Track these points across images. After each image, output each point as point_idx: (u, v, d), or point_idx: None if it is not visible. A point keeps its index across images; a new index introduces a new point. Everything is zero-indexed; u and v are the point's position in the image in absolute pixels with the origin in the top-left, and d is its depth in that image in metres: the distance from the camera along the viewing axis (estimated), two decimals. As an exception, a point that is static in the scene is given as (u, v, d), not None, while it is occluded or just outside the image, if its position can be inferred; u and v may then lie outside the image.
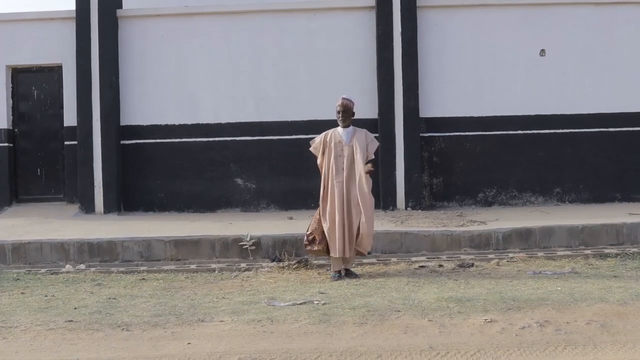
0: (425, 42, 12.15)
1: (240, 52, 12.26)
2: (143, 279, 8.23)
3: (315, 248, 8.01)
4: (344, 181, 7.91)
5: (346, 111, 7.97)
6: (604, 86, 12.34)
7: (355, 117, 8.15)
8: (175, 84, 12.27)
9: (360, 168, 7.86)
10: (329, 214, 7.93)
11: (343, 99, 8.05)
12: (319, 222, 8.02)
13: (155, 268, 8.85)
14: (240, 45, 12.26)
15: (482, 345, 5.31)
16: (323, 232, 7.97)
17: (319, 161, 8.11)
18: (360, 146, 7.93)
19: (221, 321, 6.08)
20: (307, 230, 8.11)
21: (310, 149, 8.18)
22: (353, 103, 8.06)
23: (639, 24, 12.38)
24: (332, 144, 7.98)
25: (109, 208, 11.96)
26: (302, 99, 12.20)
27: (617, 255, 8.99)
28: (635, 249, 9.30)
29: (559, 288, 7.12)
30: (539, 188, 12.33)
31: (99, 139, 12.00)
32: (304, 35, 12.28)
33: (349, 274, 8.04)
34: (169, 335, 5.69)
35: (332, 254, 7.98)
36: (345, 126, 8.03)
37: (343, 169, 7.94)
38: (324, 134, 8.12)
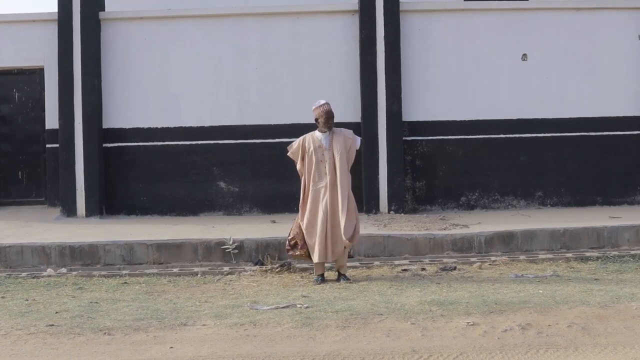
0: (408, 46, 12.20)
1: (224, 55, 12.24)
2: (125, 282, 8.19)
3: (297, 253, 8.01)
4: (327, 186, 7.88)
5: (332, 117, 7.94)
6: (585, 90, 12.44)
7: (339, 120, 8.17)
8: (158, 87, 12.23)
9: (344, 172, 7.85)
10: (309, 220, 7.91)
11: (327, 104, 7.97)
12: (300, 227, 8.01)
13: (137, 272, 8.81)
14: (224, 49, 12.24)
15: (464, 348, 5.33)
16: (304, 236, 7.96)
17: (298, 167, 8.09)
18: (340, 150, 7.89)
19: (204, 325, 6.07)
20: (289, 235, 8.10)
21: (289, 154, 8.17)
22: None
23: (620, 28, 12.50)
24: (312, 149, 7.94)
25: (90, 211, 11.89)
26: (285, 102, 12.20)
27: (598, 258, 9.06)
28: (615, 252, 9.38)
29: (541, 291, 7.17)
30: (521, 192, 12.40)
31: (81, 141, 11.92)
32: (288, 39, 12.28)
33: (339, 276, 8.04)
34: (151, 340, 5.67)
35: (313, 259, 7.97)
36: (324, 130, 7.98)
37: (326, 174, 7.90)
38: (301, 139, 8.07)
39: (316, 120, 8.02)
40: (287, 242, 8.08)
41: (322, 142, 7.97)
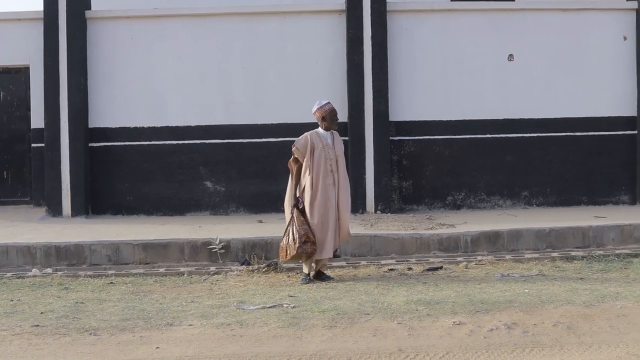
0: (395, 46, 12.22)
1: (210, 55, 12.21)
2: (111, 282, 8.16)
3: (309, 250, 7.82)
4: (334, 183, 7.99)
5: (336, 115, 8.18)
6: (571, 91, 12.50)
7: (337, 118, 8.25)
8: (145, 86, 12.18)
9: (344, 169, 8.13)
10: (323, 216, 7.90)
11: (330, 103, 8.19)
12: (306, 223, 7.91)
13: (123, 272, 8.77)
14: (210, 48, 12.22)
15: (450, 347, 5.35)
16: (313, 233, 7.89)
17: (305, 160, 7.99)
18: (339, 148, 8.15)
19: (190, 325, 6.06)
20: (295, 233, 7.78)
21: (294, 149, 8.09)
22: None
23: (606, 29, 12.57)
24: (320, 146, 8.01)
25: (76, 211, 11.83)
26: (272, 102, 12.19)
27: (583, 257, 9.11)
28: (600, 252, 9.44)
29: (527, 290, 7.20)
30: (507, 191, 12.45)
31: (67, 141, 11.87)
32: (275, 39, 12.27)
33: (321, 275, 8.04)
34: (137, 340, 5.65)
35: (322, 255, 7.91)
36: (330, 129, 8.13)
37: (332, 172, 8.00)
38: (308, 135, 8.08)
39: (322, 119, 8.09)
40: (298, 238, 7.77)
41: (328, 140, 8.09)
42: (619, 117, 12.59)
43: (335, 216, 7.97)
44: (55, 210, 11.85)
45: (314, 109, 8.15)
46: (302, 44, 12.25)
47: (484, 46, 12.40)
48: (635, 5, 12.55)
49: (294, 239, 7.82)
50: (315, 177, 7.96)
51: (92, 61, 12.11)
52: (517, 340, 5.53)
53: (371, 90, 12.02)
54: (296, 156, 8.07)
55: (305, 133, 8.14)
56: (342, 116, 11.96)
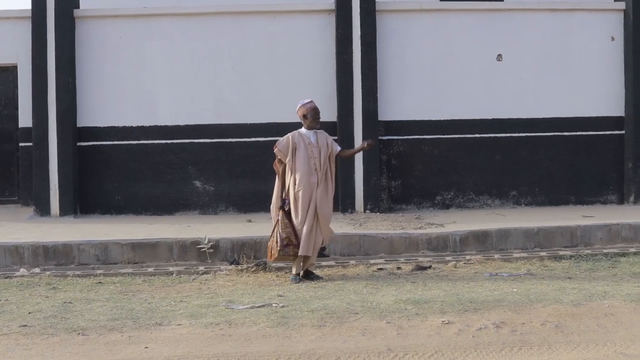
0: (384, 46, 12.23)
1: (200, 54, 12.18)
2: (99, 282, 8.13)
3: (291, 253, 7.91)
4: (318, 182, 8.01)
5: (318, 113, 8.17)
6: (559, 91, 12.55)
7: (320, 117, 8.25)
8: (134, 85, 12.15)
9: (329, 168, 8.10)
10: (303, 215, 7.94)
11: (313, 102, 8.20)
12: (289, 225, 7.95)
13: (112, 271, 8.74)
14: (200, 47, 12.19)
15: (439, 346, 5.37)
16: (296, 235, 7.93)
17: (287, 161, 8.02)
18: (324, 146, 8.10)
19: (179, 325, 6.05)
20: (278, 235, 7.90)
21: (276, 150, 8.12)
22: None
23: (594, 30, 12.63)
24: (303, 145, 8.03)
25: (65, 211, 11.79)
26: (262, 101, 12.18)
27: (571, 257, 9.16)
28: (588, 251, 9.49)
29: (515, 289, 7.23)
30: (496, 191, 12.49)
31: (55, 140, 11.82)
32: (265, 38, 12.25)
33: (309, 274, 8.05)
34: (126, 340, 5.64)
35: (301, 252, 7.93)
36: (312, 127, 8.13)
37: (316, 170, 8.01)
38: (290, 136, 8.11)
39: (304, 117, 8.13)
40: (279, 241, 7.88)
41: (311, 139, 8.09)
42: (606, 117, 12.66)
43: (314, 216, 7.96)
44: (43, 209, 11.80)
45: (297, 107, 8.21)
46: (292, 43, 12.25)
47: (473, 46, 12.43)
48: (622, 6, 12.62)
49: (276, 241, 7.92)
50: (299, 177, 7.97)
51: (80, 60, 12.06)
52: (506, 339, 5.55)
53: (360, 90, 12.03)
54: (279, 157, 8.10)
55: (288, 134, 8.16)
56: (332, 115, 12.00)
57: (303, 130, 8.17)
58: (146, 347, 5.43)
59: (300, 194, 7.95)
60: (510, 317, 6.10)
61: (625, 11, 12.60)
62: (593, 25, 12.64)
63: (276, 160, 8.18)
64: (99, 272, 8.75)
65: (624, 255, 9.22)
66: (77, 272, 8.72)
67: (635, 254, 9.28)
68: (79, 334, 5.81)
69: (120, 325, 6.05)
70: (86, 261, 9.27)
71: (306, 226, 7.92)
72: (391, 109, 12.28)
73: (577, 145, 12.61)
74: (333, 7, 12.18)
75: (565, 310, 6.31)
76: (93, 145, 12.13)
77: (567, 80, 12.55)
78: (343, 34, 12.07)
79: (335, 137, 11.65)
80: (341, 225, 10.33)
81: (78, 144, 12.04)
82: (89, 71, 12.08)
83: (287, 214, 8.00)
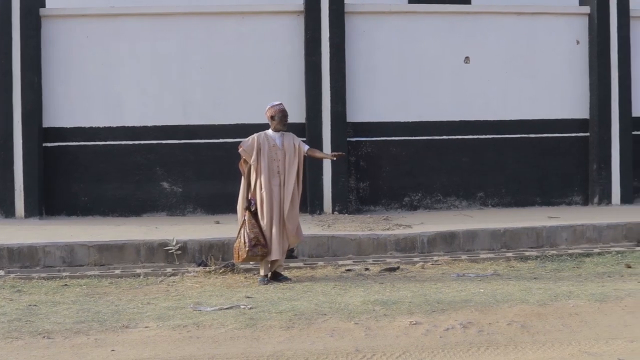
0: (353, 47, 12.26)
1: (168, 55, 12.10)
2: (65, 285, 8.04)
3: (260, 253, 7.89)
4: (280, 184, 8.01)
5: (286, 116, 8.16)
6: (525, 93, 12.69)
7: (287, 119, 8.25)
8: (101, 85, 12.03)
9: (294, 170, 8.06)
10: (269, 218, 7.94)
11: (282, 104, 8.21)
12: (256, 225, 7.94)
13: (78, 274, 8.65)
14: (168, 48, 12.11)
15: (407, 347, 5.40)
16: (264, 235, 7.93)
17: (252, 162, 8.02)
18: (290, 149, 8.09)
19: (146, 327, 6.01)
20: (245, 235, 7.89)
21: (240, 150, 8.13)
22: None
23: (559, 33, 12.79)
24: (267, 147, 8.03)
25: (30, 212, 11.64)
26: (230, 102, 12.14)
27: (537, 257, 9.27)
28: (554, 252, 9.61)
29: (482, 290, 7.29)
30: (463, 192, 12.58)
31: (20, 141, 11.66)
32: (233, 39, 12.21)
33: (277, 276, 8.05)
34: (92, 343, 5.59)
35: (270, 257, 7.93)
36: (279, 130, 8.12)
37: (279, 173, 8.02)
38: (255, 136, 8.12)
39: (271, 118, 8.13)
40: (248, 241, 7.85)
41: (276, 141, 8.08)
42: (572, 119, 12.83)
43: (280, 219, 7.97)
44: (7, 211, 11.64)
45: (266, 108, 8.23)
46: (261, 44, 12.23)
47: (441, 48, 12.51)
48: (587, 10, 12.79)
49: (244, 241, 7.89)
50: (263, 179, 7.98)
51: (46, 60, 11.92)
52: (473, 339, 5.60)
53: (329, 91, 12.05)
54: (244, 157, 8.09)
55: (254, 134, 8.16)
56: (300, 117, 12.00)
57: (270, 131, 8.17)
58: (113, 350, 5.39)
59: (264, 196, 7.95)
60: (477, 318, 6.16)
61: (589, 15, 12.78)
62: (558, 29, 12.81)
63: (241, 160, 8.18)
64: (64, 274, 8.64)
65: (588, 255, 9.36)
66: (43, 275, 8.61)
67: (599, 254, 9.43)
68: (44, 337, 5.74)
69: (87, 328, 5.99)
70: (52, 263, 9.15)
71: (274, 230, 7.92)
72: (360, 111, 12.32)
73: (543, 147, 12.76)
74: (302, 8, 12.18)
75: (531, 310, 6.39)
76: (59, 145, 11.99)
77: (533, 82, 12.70)
78: (312, 35, 12.08)
79: (304, 139, 11.63)
80: (309, 227, 10.33)
81: (44, 144, 11.90)
82: (55, 71, 11.94)
83: (254, 215, 8.00)
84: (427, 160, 12.49)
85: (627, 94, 12.76)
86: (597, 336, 5.67)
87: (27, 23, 11.71)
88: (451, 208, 12.51)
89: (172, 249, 9.19)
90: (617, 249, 9.79)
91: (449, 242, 9.87)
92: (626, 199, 12.72)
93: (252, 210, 8.00)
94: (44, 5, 12.02)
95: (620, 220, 10.64)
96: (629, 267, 8.61)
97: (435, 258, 9.29)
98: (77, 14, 12.10)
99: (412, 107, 12.45)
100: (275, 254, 7.93)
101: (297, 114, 11.89)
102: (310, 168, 11.84)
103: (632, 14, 12.76)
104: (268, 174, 7.98)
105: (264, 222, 7.97)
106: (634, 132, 12.87)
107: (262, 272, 8.06)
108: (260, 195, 7.98)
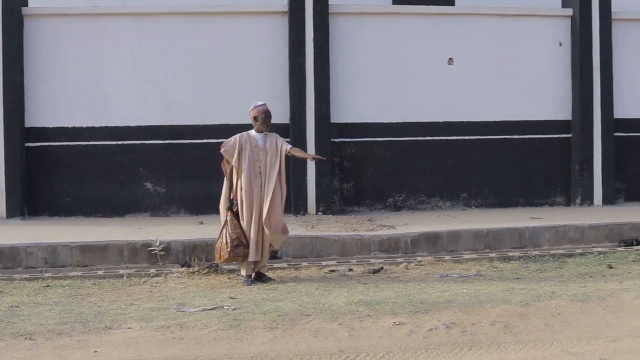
0: (337, 48, 12.27)
1: (152, 54, 12.05)
2: (48, 285, 7.99)
3: (241, 253, 7.90)
4: (262, 185, 8.00)
5: (270, 117, 8.15)
6: (509, 95, 12.75)
7: (271, 120, 8.25)
8: (84, 85, 11.95)
9: (276, 171, 8.01)
10: (247, 219, 7.94)
11: (265, 105, 8.19)
12: (238, 226, 7.94)
13: (60, 274, 8.60)
14: (152, 48, 12.05)
15: (390, 347, 5.41)
16: (246, 236, 7.93)
17: (234, 162, 8.02)
18: (272, 150, 8.06)
19: (129, 328, 5.98)
20: (228, 236, 7.91)
21: (222, 151, 8.13)
22: None
23: (542, 35, 12.87)
24: (249, 147, 8.01)
25: (12, 212, 11.55)
26: (214, 102, 12.10)
27: (520, 258, 9.31)
28: (537, 252, 9.67)
29: (465, 290, 7.32)
30: (447, 193, 12.62)
31: (2, 140, 11.56)
32: (217, 39, 12.18)
33: (261, 276, 8.05)
34: (75, 344, 5.56)
35: (249, 258, 7.94)
36: (262, 130, 8.10)
37: (260, 174, 8.01)
38: (237, 137, 8.11)
39: (254, 119, 8.13)
40: (230, 242, 7.87)
41: (258, 142, 8.07)
42: (554, 120, 12.90)
43: (259, 220, 7.95)
44: (-11, 211, 11.55)
45: (250, 108, 8.22)
46: (245, 44, 12.21)
47: (425, 49, 12.55)
48: (570, 12, 12.88)
49: (226, 242, 7.91)
50: (244, 179, 7.97)
51: (29, 59, 11.83)
52: (456, 339, 5.62)
53: (313, 92, 12.05)
54: (226, 158, 8.08)
55: (236, 135, 8.16)
56: (284, 117, 12.00)
57: (252, 132, 8.16)
58: (95, 352, 5.36)
59: (244, 196, 7.95)
60: (461, 318, 6.18)
61: (572, 17, 12.86)
62: (541, 31, 12.89)
63: (224, 161, 8.18)
64: (47, 275, 8.59)
65: (570, 256, 9.42)
66: (25, 276, 8.55)
67: (581, 255, 9.49)
68: (26, 338, 5.71)
69: (69, 329, 5.96)
70: (34, 264, 9.09)
71: (252, 231, 7.92)
72: (344, 112, 12.33)
73: (526, 149, 12.82)
74: (286, 9, 12.17)
75: (513, 311, 6.42)
76: (42, 145, 11.91)
77: (516, 84, 12.76)
78: (296, 36, 12.08)
79: (288, 139, 11.63)
80: (293, 227, 10.33)
81: (26, 144, 11.81)
82: (38, 70, 11.86)
83: (236, 215, 8.00)
84: (411, 161, 12.52)
85: (609, 96, 12.85)
86: (579, 336, 5.71)
87: (9, 22, 11.63)
88: (435, 209, 12.54)
89: (155, 250, 9.15)
90: (599, 249, 9.87)
91: (432, 243, 9.89)
92: (608, 200, 12.81)
93: (234, 210, 8.01)
94: (26, 4, 11.93)
95: (602, 221, 10.73)
96: (611, 267, 8.68)
97: (419, 259, 9.32)
98: (60, 14, 12.02)
99: (396, 108, 12.47)
100: (253, 255, 7.92)
101: (281, 115, 11.89)
102: (294, 169, 11.85)
103: (614, 16, 12.86)
104: (249, 174, 7.97)
105: (244, 223, 7.97)
106: (615, 134, 12.97)
107: (244, 273, 8.05)
108: (241, 195, 7.99)
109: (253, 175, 7.99)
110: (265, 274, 8.17)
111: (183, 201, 12.08)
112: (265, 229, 7.94)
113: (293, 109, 12.07)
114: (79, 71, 11.94)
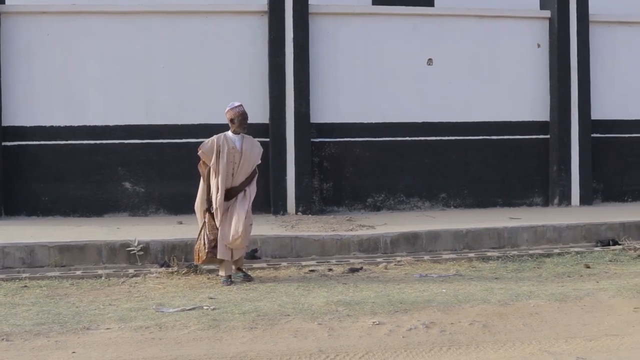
0: (317, 48, 12.28)
1: (131, 54, 11.99)
2: (25, 286, 7.92)
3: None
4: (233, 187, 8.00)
5: (247, 119, 8.10)
6: (487, 96, 12.84)
7: (247, 121, 8.21)
8: (62, 84, 11.86)
9: (248, 176, 8.05)
10: (222, 220, 7.93)
11: (242, 106, 8.14)
12: (215, 227, 7.94)
13: (38, 275, 8.52)
14: (131, 47, 11.99)
15: (370, 347, 5.42)
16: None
17: (212, 164, 8.00)
18: (247, 153, 8.06)
19: (107, 329, 5.95)
20: (206, 237, 7.92)
21: (200, 152, 8.11)
22: None
23: (520, 36, 12.97)
24: (226, 149, 7.98)
25: (-12, 212, 11.46)
26: (194, 102, 12.06)
27: (498, 258, 9.36)
28: (515, 252, 9.72)
29: (444, 290, 7.35)
30: (426, 193, 12.68)
31: (-22, 140, 11.48)
32: (197, 38, 12.14)
33: (241, 271, 8.06)
34: (53, 345, 5.52)
35: (218, 256, 7.92)
36: (239, 132, 8.08)
37: (233, 175, 8.00)
38: (215, 138, 8.08)
39: (231, 121, 8.08)
40: (207, 243, 7.89)
41: (235, 143, 8.04)
42: (533, 121, 13.01)
43: (231, 219, 7.91)
44: (-35, 211, 11.44)
45: (226, 109, 8.16)
46: (225, 44, 12.18)
47: (404, 50, 12.59)
48: (548, 14, 12.99)
49: (204, 243, 7.93)
50: (220, 180, 7.95)
51: (6, 57, 11.72)
52: (435, 339, 5.65)
53: (292, 92, 12.05)
54: (203, 159, 8.06)
55: (213, 136, 8.13)
56: (263, 117, 11.99)
57: (229, 133, 8.11)
58: (74, 352, 5.33)
59: (218, 198, 7.93)
60: (440, 318, 6.21)
61: (550, 19, 12.97)
62: (519, 32, 12.98)
63: (201, 162, 8.16)
64: (24, 275, 8.51)
65: (548, 256, 9.49)
66: (2, 276, 8.46)
67: (559, 254, 9.56)
68: (3, 339, 5.65)
69: (47, 330, 5.92)
70: (11, 264, 9.01)
71: (220, 231, 7.90)
72: (323, 112, 12.34)
73: (504, 149, 12.91)
74: (266, 9, 12.16)
75: (492, 310, 6.46)
76: (19, 145, 11.81)
77: (495, 85, 12.84)
78: (276, 36, 12.07)
79: (267, 139, 11.70)
80: (273, 227, 10.33)
81: (3, 143, 11.70)
82: (15, 69, 11.75)
83: (214, 216, 7.99)
84: (391, 161, 12.56)
85: (587, 97, 12.98)
86: (557, 335, 5.76)
87: (-15, 20, 11.52)
88: (414, 209, 12.59)
89: (134, 250, 9.11)
90: (576, 249, 9.95)
91: (412, 243, 9.93)
92: (585, 200, 12.94)
93: (212, 211, 7.99)
94: (3, 2, 11.82)
95: (579, 221, 10.83)
96: (588, 267, 8.76)
97: (398, 259, 9.34)
98: (37, 11, 11.91)
99: (375, 108, 12.50)
100: (221, 254, 7.90)
101: (260, 115, 11.90)
102: (274, 169, 11.84)
103: (591, 18, 12.99)
104: (225, 175, 7.95)
105: (217, 223, 7.95)
106: (593, 135, 13.10)
107: (223, 273, 8.03)
108: (215, 197, 7.97)
109: (228, 176, 7.97)
110: (243, 270, 8.19)
111: (162, 201, 12.02)
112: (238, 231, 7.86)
113: (273, 108, 12.06)
114: (57, 70, 11.85)
